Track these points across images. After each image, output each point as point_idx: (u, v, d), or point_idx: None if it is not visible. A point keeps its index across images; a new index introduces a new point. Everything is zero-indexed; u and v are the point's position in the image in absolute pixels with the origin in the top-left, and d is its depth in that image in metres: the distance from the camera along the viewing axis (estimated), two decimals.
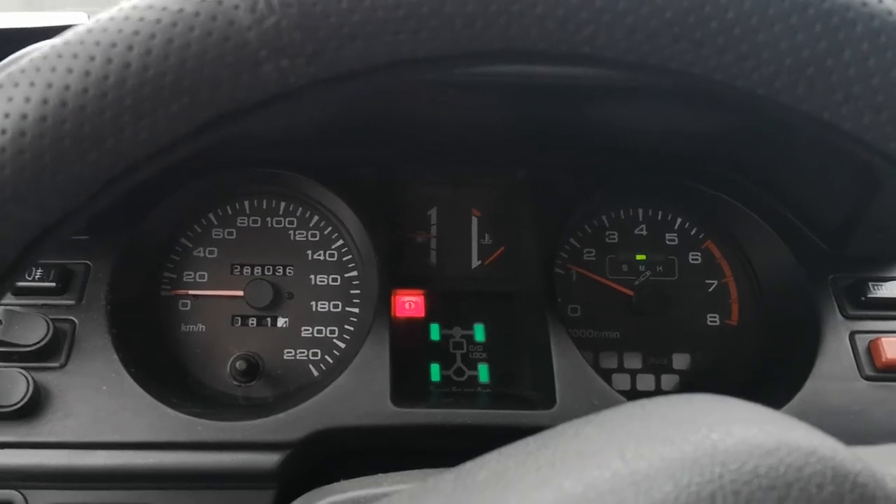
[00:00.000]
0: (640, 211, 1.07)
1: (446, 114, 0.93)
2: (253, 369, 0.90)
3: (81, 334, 0.83)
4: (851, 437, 0.81)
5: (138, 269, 0.92)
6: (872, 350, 0.90)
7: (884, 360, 0.89)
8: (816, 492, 0.39)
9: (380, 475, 0.67)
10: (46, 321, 0.81)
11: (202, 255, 0.98)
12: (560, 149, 1.02)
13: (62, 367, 0.82)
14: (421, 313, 0.96)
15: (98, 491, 0.79)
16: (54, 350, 0.82)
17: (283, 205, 1.01)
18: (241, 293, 0.96)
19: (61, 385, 0.81)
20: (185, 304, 0.97)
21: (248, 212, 1.00)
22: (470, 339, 0.96)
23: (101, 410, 0.80)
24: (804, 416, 0.83)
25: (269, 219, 1.00)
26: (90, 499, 0.79)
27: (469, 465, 0.47)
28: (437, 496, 0.44)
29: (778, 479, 0.39)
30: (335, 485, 0.66)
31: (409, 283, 0.98)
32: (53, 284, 0.85)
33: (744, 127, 0.93)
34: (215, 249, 0.98)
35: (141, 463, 0.78)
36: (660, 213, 1.07)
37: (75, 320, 0.84)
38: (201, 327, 0.96)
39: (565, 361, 0.88)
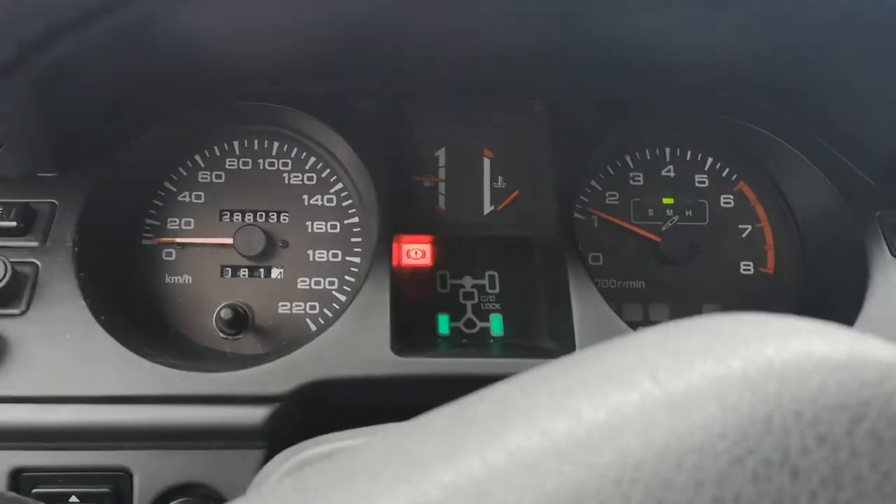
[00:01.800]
0: (668, 150, 0.98)
1: (453, 39, 0.84)
2: (240, 319, 0.82)
3: (45, 278, 0.76)
4: None
5: (112, 210, 0.84)
6: None
7: None
8: None
9: (374, 426, 0.60)
10: (4, 263, 0.73)
11: (188, 200, 0.90)
12: (580, 79, 0.93)
13: (23, 313, 0.74)
14: (428, 262, 0.88)
15: (65, 451, 0.71)
16: (14, 295, 0.74)
17: (276, 145, 0.92)
18: (230, 241, 0.88)
19: (21, 333, 0.73)
20: (169, 254, 0.89)
21: (237, 153, 0.92)
22: (482, 289, 0.88)
23: (67, 361, 0.72)
24: None
25: (260, 161, 0.92)
26: (57, 460, 0.71)
27: (469, 398, 0.40)
28: (429, 432, 0.37)
29: (851, 396, 0.31)
30: (322, 436, 0.59)
31: (415, 230, 0.90)
32: (14, 224, 0.77)
33: (790, 44, 0.83)
34: (202, 194, 0.90)
35: (111, 419, 0.70)
36: (689, 152, 0.98)
37: (38, 263, 0.76)
38: (187, 279, 0.88)
39: (587, 310, 0.80)
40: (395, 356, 0.74)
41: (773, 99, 0.93)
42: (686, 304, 0.94)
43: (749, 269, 0.95)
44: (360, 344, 0.75)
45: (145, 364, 0.72)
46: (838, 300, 0.86)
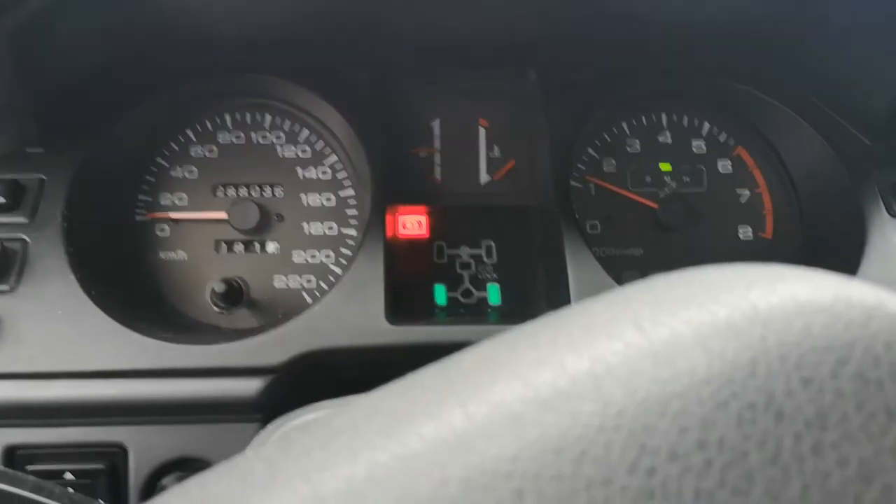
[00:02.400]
0: (664, 116, 0.97)
1: (446, 7, 0.83)
2: (234, 293, 0.81)
3: (34, 254, 0.75)
4: None
5: (102, 186, 0.84)
6: None
7: None
8: (885, 351, 0.30)
9: (362, 395, 0.60)
10: None
11: (181, 175, 0.90)
12: (574, 46, 0.92)
13: (12, 290, 0.74)
14: (424, 233, 0.88)
15: (59, 428, 0.71)
16: (3, 272, 0.74)
17: (268, 118, 0.92)
18: (224, 216, 0.87)
19: (12, 310, 0.73)
20: (163, 230, 0.88)
21: (230, 126, 0.92)
22: (479, 258, 0.87)
23: (58, 337, 0.72)
24: None
25: (253, 134, 0.91)
26: (51, 437, 0.71)
27: (454, 356, 0.39)
28: (412, 389, 0.37)
29: (836, 338, 0.30)
30: (315, 404, 0.59)
31: (410, 201, 0.89)
32: (3, 200, 0.76)
33: (786, 4, 0.82)
34: (195, 169, 0.90)
35: (104, 393, 0.70)
36: (685, 117, 0.97)
37: (27, 239, 0.76)
38: (182, 254, 0.87)
39: (584, 279, 0.80)
40: (390, 325, 0.74)
41: (768, 61, 0.92)
42: None
43: (748, 235, 0.94)
44: (354, 314, 0.74)
45: (138, 338, 0.71)
46: (836, 262, 0.85)
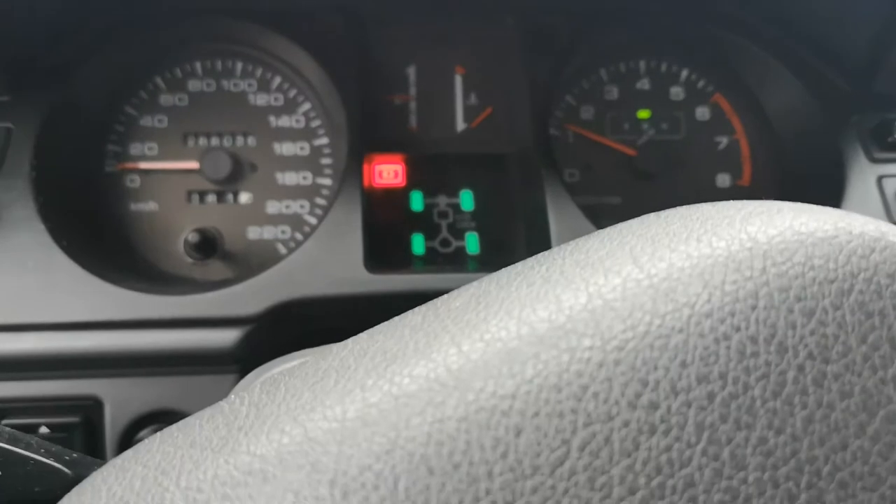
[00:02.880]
0: (643, 63, 0.96)
1: None
2: (208, 243, 0.79)
3: (3, 204, 0.73)
4: None
5: (71, 135, 0.81)
6: None
7: None
8: (888, 282, 0.30)
9: (347, 340, 0.58)
10: None
11: (150, 124, 0.87)
12: None
13: None
14: (401, 182, 0.86)
15: (32, 381, 0.70)
16: None
17: (240, 65, 0.89)
18: (196, 165, 0.85)
19: None
20: (133, 181, 0.86)
21: (200, 74, 0.89)
22: (456, 207, 0.86)
23: (28, 288, 0.70)
24: None
25: (224, 81, 0.89)
26: (24, 391, 0.69)
27: (444, 296, 0.38)
28: (402, 328, 0.36)
29: (838, 269, 0.30)
30: (294, 353, 0.58)
31: (386, 149, 0.88)
32: None
33: None
34: (165, 118, 0.87)
35: (77, 345, 0.69)
36: (664, 64, 0.96)
37: None
38: (153, 205, 0.85)
39: (564, 227, 0.79)
40: (369, 274, 0.73)
41: (747, 5, 0.91)
42: None
43: (726, 182, 0.94)
44: (332, 263, 0.73)
45: (111, 289, 0.70)
46: (817, 203, 0.85)
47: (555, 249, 0.39)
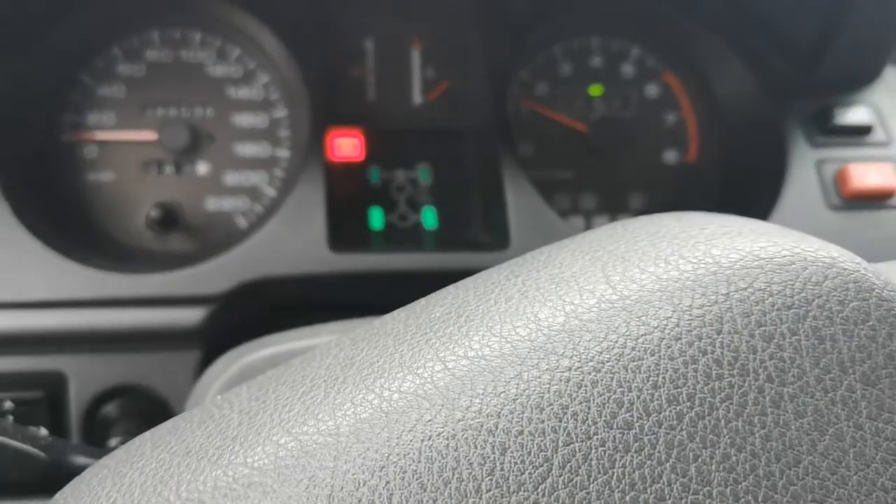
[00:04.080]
0: (595, 39, 0.98)
1: None
2: (170, 217, 0.80)
3: None
4: None
5: (27, 105, 0.80)
6: (839, 179, 0.85)
7: (850, 189, 0.84)
8: (839, 309, 0.33)
9: (317, 325, 0.60)
10: None
11: (107, 93, 0.86)
12: None
13: None
14: (360, 156, 0.87)
15: None
16: None
17: (198, 35, 0.89)
18: (154, 136, 0.85)
19: None
20: (90, 151, 0.85)
21: (158, 44, 0.88)
22: (414, 181, 0.88)
23: None
24: None
25: (183, 52, 0.88)
26: None
27: (422, 302, 0.40)
28: (385, 338, 0.37)
29: (795, 296, 0.33)
30: (266, 338, 0.59)
31: (345, 123, 0.88)
32: None
33: None
34: (122, 87, 0.87)
35: (41, 324, 0.69)
36: (615, 41, 0.98)
37: None
38: (111, 175, 0.85)
39: (521, 202, 0.81)
40: (332, 253, 0.74)
41: None
42: (613, 194, 0.95)
43: (673, 158, 0.97)
44: (295, 242, 0.74)
45: (75, 267, 0.70)
46: (758, 188, 0.88)
47: (528, 258, 0.41)
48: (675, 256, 0.35)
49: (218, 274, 0.72)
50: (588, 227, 0.94)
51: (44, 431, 0.67)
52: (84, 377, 0.71)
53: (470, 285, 0.39)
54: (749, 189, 0.90)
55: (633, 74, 0.98)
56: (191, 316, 0.71)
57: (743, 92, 0.92)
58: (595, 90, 0.97)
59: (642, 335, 0.32)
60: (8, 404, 0.68)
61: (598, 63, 0.97)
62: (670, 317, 0.32)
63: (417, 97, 0.92)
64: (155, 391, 0.71)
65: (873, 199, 0.83)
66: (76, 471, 0.53)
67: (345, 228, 0.81)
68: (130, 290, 0.70)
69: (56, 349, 0.70)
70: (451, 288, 0.40)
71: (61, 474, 0.51)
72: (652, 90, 0.98)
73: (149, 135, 0.85)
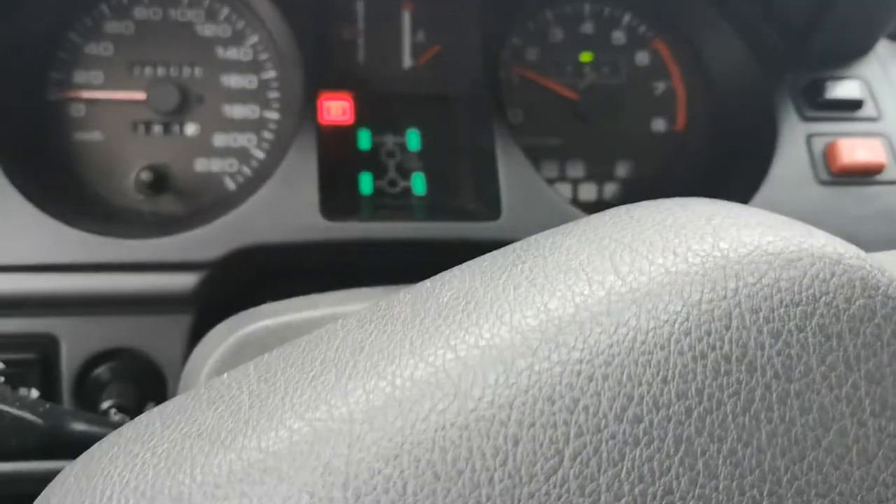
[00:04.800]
0: (587, 5, 0.97)
1: None
2: (160, 180, 0.79)
3: None
4: None
5: (13, 62, 0.79)
6: (828, 154, 0.85)
7: (839, 164, 0.84)
8: (845, 306, 0.33)
9: (313, 296, 0.60)
10: None
11: (95, 51, 0.85)
12: None
13: None
14: (350, 119, 0.87)
15: None
16: None
17: None
18: (143, 96, 0.84)
19: None
20: (78, 109, 0.84)
21: (146, 2, 0.86)
22: (403, 146, 0.87)
23: None
24: None
25: (171, 10, 0.87)
26: None
27: (428, 285, 0.40)
28: (391, 323, 0.38)
29: (802, 293, 0.33)
30: (262, 307, 0.59)
31: (335, 86, 0.87)
32: None
33: None
34: (110, 45, 0.85)
35: (35, 287, 0.69)
36: (607, 7, 0.97)
37: None
38: (98, 135, 0.84)
39: (512, 170, 0.81)
40: (325, 221, 0.74)
41: None
42: (600, 161, 0.96)
43: (661, 127, 0.97)
44: (288, 209, 0.74)
45: (68, 231, 0.69)
46: (748, 159, 0.89)
47: (532, 243, 0.41)
48: (684, 248, 0.35)
49: (211, 240, 0.72)
50: (575, 194, 0.95)
51: (35, 393, 0.67)
52: (76, 340, 0.70)
53: (476, 270, 0.40)
54: (737, 160, 0.91)
55: (624, 41, 0.97)
56: (184, 281, 0.71)
57: (733, 62, 0.92)
58: (586, 56, 0.96)
59: (652, 329, 0.32)
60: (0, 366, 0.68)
61: (590, 29, 0.97)
62: (680, 311, 0.32)
63: (407, 60, 0.92)
64: (147, 354, 0.71)
65: (862, 175, 0.84)
66: (73, 437, 0.53)
67: (336, 194, 0.81)
68: (124, 254, 0.70)
69: (48, 312, 0.70)
70: (455, 271, 0.40)
71: (58, 441, 0.52)
72: (642, 58, 0.97)
73: (137, 94, 0.84)
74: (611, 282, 0.34)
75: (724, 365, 0.31)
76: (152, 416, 0.37)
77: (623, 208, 0.43)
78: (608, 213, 0.42)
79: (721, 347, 0.32)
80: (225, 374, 0.40)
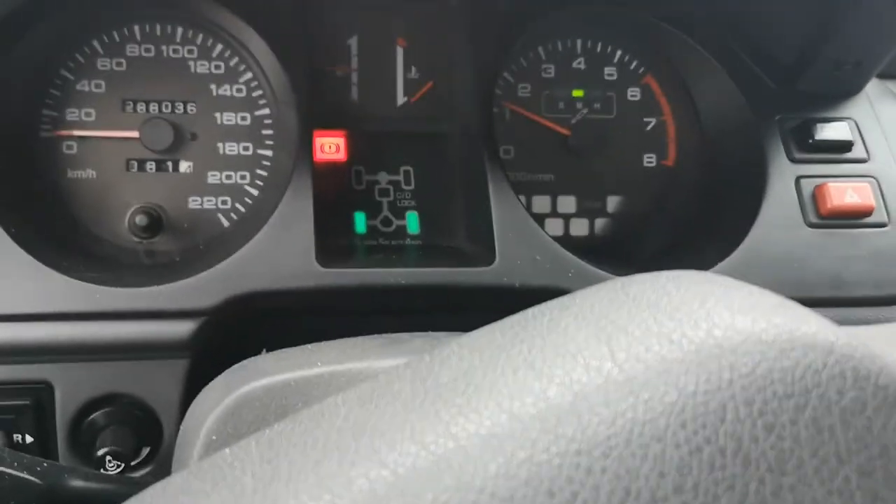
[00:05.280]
0: (579, 42, 0.98)
1: None
2: (155, 223, 0.80)
3: None
4: (794, 286, 0.79)
5: (7, 104, 0.79)
6: (817, 196, 0.86)
7: (828, 206, 0.85)
8: (837, 398, 0.34)
9: (311, 348, 0.60)
10: None
11: (87, 89, 0.85)
12: None
13: None
14: (343, 157, 0.87)
15: None
16: None
17: (179, 30, 0.87)
18: (136, 134, 0.84)
19: None
20: (70, 147, 0.84)
21: (138, 39, 0.87)
22: (397, 185, 0.88)
23: None
24: (751, 264, 0.80)
25: (164, 47, 0.87)
26: None
27: (427, 362, 0.41)
28: (392, 402, 0.38)
29: (795, 384, 0.34)
30: (259, 360, 0.59)
31: (328, 123, 0.88)
32: None
33: None
34: (103, 83, 0.85)
35: (29, 336, 0.69)
36: (599, 44, 0.98)
37: None
38: (91, 173, 0.84)
39: (505, 210, 0.81)
40: (321, 267, 0.74)
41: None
42: (591, 196, 0.96)
43: (651, 162, 0.98)
44: (284, 255, 0.74)
45: (63, 279, 0.69)
46: (737, 199, 0.89)
47: (529, 319, 0.41)
48: (678, 334, 0.36)
49: (207, 287, 0.72)
50: (566, 229, 0.95)
51: (29, 439, 0.67)
52: (71, 386, 0.70)
53: (475, 347, 0.40)
54: (728, 198, 0.92)
55: (616, 77, 0.98)
56: (180, 329, 0.71)
57: (723, 100, 0.93)
58: (577, 92, 0.97)
59: (649, 420, 0.33)
60: None
61: (582, 65, 0.98)
62: (675, 402, 0.33)
63: (401, 97, 0.92)
64: (142, 399, 0.71)
65: (851, 218, 0.85)
66: (71, 494, 0.53)
67: (331, 236, 0.81)
68: (120, 303, 0.70)
69: (43, 359, 0.70)
70: (454, 346, 0.41)
71: (57, 499, 0.52)
72: (633, 93, 0.98)
73: (130, 133, 0.84)
74: (608, 369, 0.35)
75: (720, 459, 0.32)
76: (156, 494, 0.38)
77: (618, 283, 0.43)
78: (604, 288, 0.43)
79: (716, 441, 0.32)
80: (227, 450, 0.40)
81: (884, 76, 0.97)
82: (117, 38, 0.86)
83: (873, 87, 0.93)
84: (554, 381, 0.35)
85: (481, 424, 0.34)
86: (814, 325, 0.36)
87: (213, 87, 0.87)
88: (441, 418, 0.35)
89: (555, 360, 0.37)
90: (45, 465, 0.51)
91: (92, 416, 0.71)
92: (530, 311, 0.43)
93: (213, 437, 0.53)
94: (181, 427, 0.56)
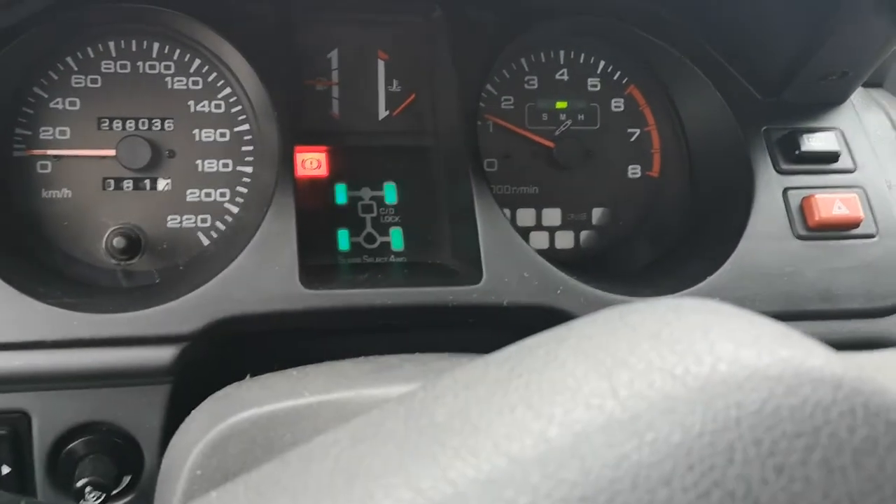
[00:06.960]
0: (562, 53, 0.97)
1: None
2: (133, 245, 0.77)
3: None
4: (784, 299, 0.79)
5: None
6: (805, 208, 0.86)
7: (816, 219, 0.85)
8: (848, 437, 0.33)
9: (297, 374, 0.59)
10: None
11: (61, 106, 0.83)
12: None
13: None
14: (324, 173, 0.85)
15: None
16: None
17: (156, 46, 0.85)
18: (112, 152, 0.82)
19: None
20: (44, 166, 0.82)
21: (113, 55, 0.85)
22: (380, 200, 0.86)
23: None
24: (740, 278, 0.79)
25: (140, 63, 0.85)
26: None
27: (420, 398, 0.39)
28: (386, 443, 0.37)
29: (804, 423, 0.32)
30: (243, 388, 0.57)
31: (309, 139, 0.86)
32: None
33: None
34: (77, 100, 0.83)
35: (6, 366, 0.67)
36: (582, 55, 0.97)
37: None
38: (66, 193, 0.82)
39: (490, 225, 0.79)
40: (305, 289, 0.72)
41: (669, 7, 0.92)
42: (576, 208, 0.95)
43: (636, 173, 0.97)
44: (267, 277, 0.72)
45: (40, 306, 0.67)
46: (724, 210, 0.89)
47: (525, 351, 0.40)
48: (681, 369, 0.34)
49: (188, 312, 0.70)
50: (552, 242, 0.94)
51: (6, 470, 0.65)
52: (48, 415, 0.68)
53: (470, 381, 0.39)
54: (714, 210, 0.91)
55: (599, 88, 0.97)
56: (161, 355, 0.69)
57: (708, 111, 0.92)
58: (561, 104, 0.96)
59: (655, 463, 0.31)
60: None
61: (565, 76, 0.97)
62: (681, 443, 0.32)
63: (383, 111, 0.91)
64: (122, 427, 0.69)
65: (839, 229, 0.84)
66: None
67: (313, 253, 0.79)
68: (98, 330, 0.68)
69: (20, 388, 0.68)
70: (449, 381, 0.39)
71: None
72: (617, 104, 0.97)
73: (106, 151, 0.82)
74: (610, 407, 0.34)
75: (729, 502, 0.31)
76: None
77: (616, 312, 0.42)
78: (601, 317, 0.42)
79: (724, 484, 0.31)
80: (214, 494, 0.39)
81: (868, 85, 0.97)
82: (92, 55, 0.84)
83: (858, 96, 0.93)
84: (554, 420, 0.34)
85: (479, 469, 0.33)
86: (820, 358, 0.35)
87: (191, 103, 0.85)
88: (438, 462, 0.34)
89: (553, 398, 0.35)
90: (22, 502, 0.50)
91: (71, 446, 0.69)
92: (525, 343, 0.42)
93: (198, 472, 0.51)
94: (163, 461, 0.55)
